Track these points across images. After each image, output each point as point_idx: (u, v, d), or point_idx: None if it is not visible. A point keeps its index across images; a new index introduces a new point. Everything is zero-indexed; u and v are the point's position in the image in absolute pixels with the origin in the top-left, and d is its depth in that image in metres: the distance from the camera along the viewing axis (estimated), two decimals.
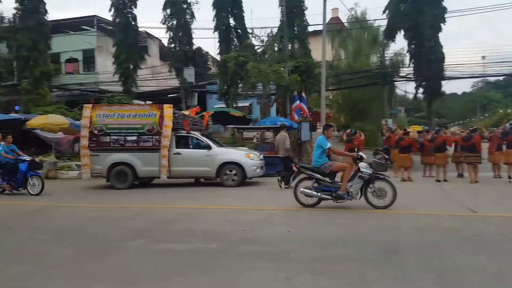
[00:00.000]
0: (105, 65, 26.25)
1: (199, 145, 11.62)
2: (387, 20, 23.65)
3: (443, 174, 11.67)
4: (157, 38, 30.81)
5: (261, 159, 11.85)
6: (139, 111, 11.65)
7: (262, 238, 5.46)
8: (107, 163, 11.26)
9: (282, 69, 17.79)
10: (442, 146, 11.82)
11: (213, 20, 23.32)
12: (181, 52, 23.23)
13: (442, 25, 22.03)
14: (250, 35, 21.40)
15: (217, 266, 4.29)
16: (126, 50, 23.03)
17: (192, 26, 23.64)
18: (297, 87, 17.82)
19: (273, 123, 16.03)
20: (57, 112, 18.46)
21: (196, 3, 23.48)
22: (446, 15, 22.03)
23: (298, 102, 17.42)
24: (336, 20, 35.54)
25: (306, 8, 20.89)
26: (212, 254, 4.76)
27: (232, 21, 23.56)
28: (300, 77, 18.00)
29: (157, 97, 25.23)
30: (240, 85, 20.73)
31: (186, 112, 13.92)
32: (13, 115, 17.37)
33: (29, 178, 9.99)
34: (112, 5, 23.12)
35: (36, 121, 15.60)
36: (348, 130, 15.14)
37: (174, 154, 11.34)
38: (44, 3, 22.36)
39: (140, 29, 24.61)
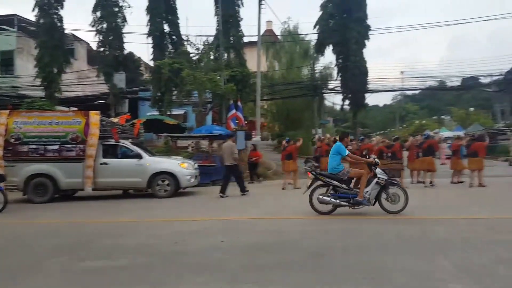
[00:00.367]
0: (26, 68, 24.11)
1: (128, 155, 11.09)
2: (317, 35, 24.92)
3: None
4: (85, 41, 29.10)
5: (196, 168, 11.65)
6: (62, 118, 10.83)
7: (195, 249, 5.32)
8: (24, 175, 10.31)
9: (218, 77, 17.78)
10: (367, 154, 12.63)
11: (147, 25, 22.70)
12: (111, 56, 22.20)
13: (366, 41, 23.77)
14: (186, 42, 21.17)
15: (146, 283, 4.06)
16: (50, 53, 21.41)
17: (124, 30, 22.80)
18: (233, 96, 17.90)
19: (209, 131, 15.89)
20: None
21: (129, 7, 22.69)
22: (370, 33, 23.85)
23: (234, 111, 17.48)
24: (270, 32, 36.56)
25: (242, 19, 21.26)
26: (141, 269, 4.51)
27: (166, 27, 23.12)
28: (236, 86, 18.13)
29: (84, 103, 23.66)
30: (175, 92, 20.29)
31: (115, 120, 13.24)
32: None
33: None
34: (36, 5, 21.47)
35: None
36: (284, 141, 15.52)
37: (101, 164, 10.70)
38: None
39: (66, 31, 23.09)
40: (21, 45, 25.09)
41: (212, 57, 19.79)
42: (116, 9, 22.24)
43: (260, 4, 18.01)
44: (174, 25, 23.07)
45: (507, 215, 7.15)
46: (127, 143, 11.27)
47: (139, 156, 10.91)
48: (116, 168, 10.77)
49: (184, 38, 22.23)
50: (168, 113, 21.19)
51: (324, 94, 29.45)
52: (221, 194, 10.55)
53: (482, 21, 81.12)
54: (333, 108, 40.77)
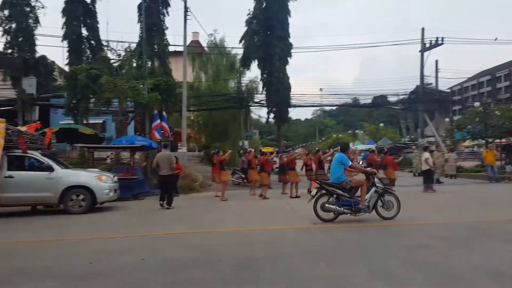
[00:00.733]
0: None
1: (38, 167, 10.11)
2: (243, 49, 25.47)
3: (295, 191, 12.92)
4: None
5: (115, 182, 10.99)
6: None
7: (112, 269, 4.98)
8: None
9: (141, 86, 17.13)
10: (292, 165, 13.23)
11: (62, 28, 21.15)
12: (20, 59, 20.26)
13: (288, 58, 24.88)
14: (106, 48, 20.05)
15: None
16: None
17: (37, 32, 21.00)
18: (157, 106, 17.35)
19: (130, 142, 15.14)
20: None
21: (42, 8, 20.95)
22: (292, 50, 25.03)
23: (158, 121, 16.95)
24: (196, 43, 36.44)
25: (167, 27, 20.81)
26: None
27: (85, 31, 21.76)
28: (160, 96, 17.61)
29: None
30: (93, 100, 19.06)
31: (23, 128, 11.98)
32: None
33: None
34: None
35: None
36: (212, 151, 15.51)
37: (5, 177, 9.59)
38: None
39: None
40: None
41: (134, 64, 19.03)
42: (28, 9, 20.44)
43: (185, 15, 17.89)
44: (93, 29, 21.84)
45: (414, 222, 7.90)
46: (36, 154, 10.27)
47: (50, 169, 9.99)
48: (23, 182, 9.74)
49: (104, 43, 21.10)
50: (84, 122, 19.85)
51: (250, 107, 30.08)
52: (166, 206, 10.51)
53: (390, 45, 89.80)
54: (259, 120, 41.77)
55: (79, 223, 8.74)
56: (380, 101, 51.97)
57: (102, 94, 16.62)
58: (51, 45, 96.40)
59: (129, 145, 14.80)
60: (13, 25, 20.08)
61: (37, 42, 21.28)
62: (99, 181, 10.33)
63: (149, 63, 19.67)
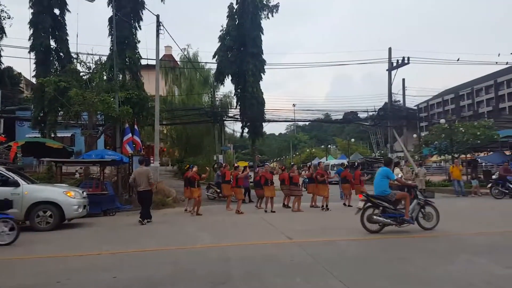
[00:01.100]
0: None
1: (2, 182, 9.60)
2: (216, 64, 25.59)
3: (271, 205, 12.91)
4: None
5: (84, 197, 10.61)
6: None
7: None
8: None
9: (112, 99, 16.79)
10: (268, 179, 13.26)
11: (30, 39, 20.53)
12: None
13: (262, 74, 25.20)
14: (75, 60, 19.60)
15: None
16: None
17: (2, 43, 20.35)
18: (128, 119, 17.03)
19: (100, 156, 14.71)
20: None
21: (9, 18, 20.33)
22: (265, 67, 25.39)
23: (130, 135, 16.60)
24: (169, 57, 36.31)
25: (139, 41, 20.65)
26: None
27: (53, 43, 21.22)
28: (132, 109, 17.31)
29: None
30: (61, 113, 18.47)
31: None
32: None
33: None
34: None
35: None
36: (187, 166, 15.32)
37: None
38: None
39: None
40: None
41: (105, 77, 18.67)
42: None
43: (158, 29, 17.78)
44: (62, 41, 21.33)
45: (388, 236, 8.02)
46: (0, 169, 9.78)
47: (15, 184, 9.53)
48: None
49: (74, 55, 20.63)
50: (52, 135, 19.19)
51: (225, 121, 30.09)
52: (146, 220, 10.55)
53: (359, 64, 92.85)
54: (233, 135, 41.80)
55: (46, 240, 8.33)
56: (351, 117, 53.45)
57: (71, 107, 16.16)
58: (18, 56, 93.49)
59: (99, 160, 14.36)
60: None
61: (2, 53, 20.63)
62: (68, 196, 9.93)
63: (120, 76, 19.38)
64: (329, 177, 14.76)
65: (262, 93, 25.16)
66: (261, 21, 24.88)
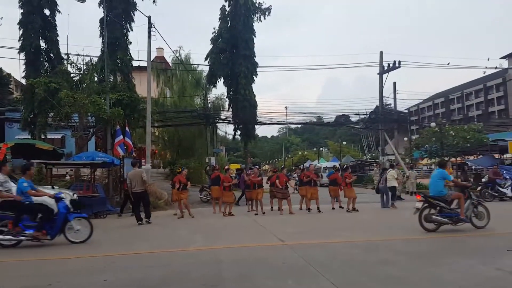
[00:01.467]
0: None
1: None
2: (209, 66, 25.55)
3: (260, 208, 12.90)
4: None
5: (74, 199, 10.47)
6: None
7: None
8: None
9: (103, 101, 16.65)
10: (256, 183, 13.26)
11: (19, 40, 20.29)
12: None
13: (254, 77, 25.21)
14: (66, 61, 19.40)
15: None
16: None
17: None
18: (119, 121, 16.90)
19: (91, 158, 14.55)
20: None
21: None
22: (258, 69, 25.41)
23: (121, 136, 16.46)
24: (161, 59, 36.20)
25: (130, 42, 20.53)
26: None
27: (43, 44, 20.99)
28: (123, 111, 17.19)
29: None
30: (51, 114, 18.27)
31: None
32: None
33: (71, 222, 7.82)
34: None
35: None
36: (178, 168, 15.22)
37: None
38: None
39: None
40: None
41: (96, 79, 18.52)
42: None
43: (149, 30, 17.69)
44: (52, 42, 21.10)
45: (378, 238, 8.08)
46: None
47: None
48: None
49: (64, 56, 20.43)
50: (42, 137, 18.94)
51: (217, 124, 30.01)
52: (139, 222, 10.76)
53: (351, 67, 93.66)
54: (226, 137, 41.73)
55: (36, 243, 8.20)
56: (342, 120, 53.74)
57: (61, 108, 15.99)
58: (7, 57, 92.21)
59: (89, 162, 14.20)
60: None
61: None
62: None
63: (112, 78, 19.24)
64: (319, 179, 14.81)
65: (254, 95, 25.18)
66: (253, 24, 24.93)
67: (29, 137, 19.33)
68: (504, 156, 24.31)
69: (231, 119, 26.55)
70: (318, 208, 13.16)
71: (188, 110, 27.24)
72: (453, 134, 22.12)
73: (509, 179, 16.26)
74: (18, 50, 20.37)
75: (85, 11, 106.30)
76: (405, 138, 42.96)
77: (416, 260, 5.98)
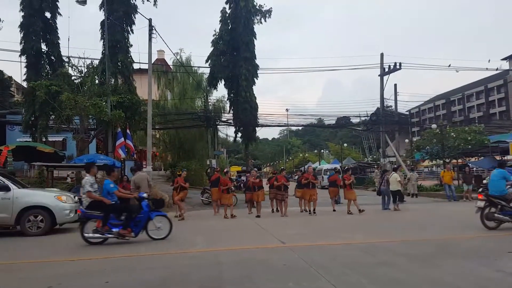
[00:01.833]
0: None
1: None
2: (209, 68, 25.62)
3: (258, 210, 12.93)
4: None
5: (76, 202, 10.50)
6: None
7: None
8: None
9: (104, 103, 16.70)
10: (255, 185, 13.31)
11: (21, 43, 20.39)
12: None
13: (255, 79, 25.27)
14: (67, 64, 19.48)
15: None
16: None
17: None
18: (120, 123, 16.94)
19: (92, 161, 14.57)
20: None
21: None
22: (258, 71, 25.47)
23: (122, 139, 16.51)
24: (162, 61, 36.30)
25: (131, 45, 20.63)
26: None
27: (44, 47, 21.08)
28: (124, 114, 17.24)
29: None
30: (52, 117, 18.33)
31: None
32: None
33: (153, 220, 8.20)
34: None
35: None
36: (180, 171, 15.26)
37: None
38: None
39: None
40: None
41: (97, 81, 18.59)
42: None
43: (150, 33, 17.75)
44: (53, 44, 21.21)
45: (378, 240, 8.08)
46: None
47: (6, 188, 9.43)
48: None
49: (65, 59, 20.51)
50: (43, 139, 19.01)
51: (218, 126, 30.05)
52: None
53: (352, 69, 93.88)
54: (226, 139, 41.77)
55: (37, 245, 8.24)
56: (343, 122, 53.76)
57: (62, 111, 16.04)
58: (8, 59, 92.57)
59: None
60: None
61: None
62: (59, 201, 9.84)
63: (112, 80, 19.30)
64: (317, 181, 14.81)
65: (255, 97, 25.24)
66: (254, 26, 25.00)
67: (30, 139, 19.43)
68: (505, 157, 24.27)
69: (232, 121, 26.60)
70: (314, 210, 13.20)
71: (189, 112, 27.30)
72: (454, 135, 22.09)
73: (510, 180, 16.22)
74: (19, 53, 20.47)
75: (86, 14, 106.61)
76: (406, 140, 42.94)
77: (415, 261, 5.98)
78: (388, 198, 14.26)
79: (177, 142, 29.17)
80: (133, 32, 20.55)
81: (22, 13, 20.44)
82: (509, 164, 21.80)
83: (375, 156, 45.71)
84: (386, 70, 27.04)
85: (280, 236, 8.64)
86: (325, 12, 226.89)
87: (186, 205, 13.14)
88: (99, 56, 19.77)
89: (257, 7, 25.01)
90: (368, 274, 5.26)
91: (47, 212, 9.56)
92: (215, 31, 25.62)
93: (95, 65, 18.60)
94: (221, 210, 13.60)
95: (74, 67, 17.84)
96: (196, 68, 30.64)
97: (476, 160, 26.12)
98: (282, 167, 15.58)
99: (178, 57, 29.44)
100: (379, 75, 27.47)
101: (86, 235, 7.87)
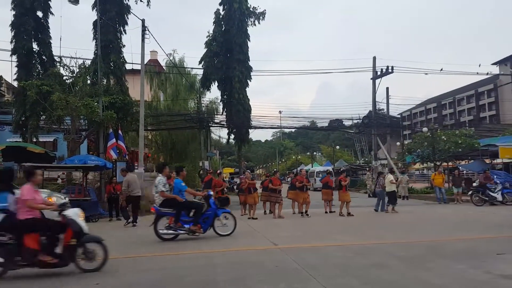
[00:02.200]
0: None
1: None
2: (203, 70, 25.60)
3: (253, 212, 12.91)
4: None
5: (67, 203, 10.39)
6: None
7: None
8: None
9: (96, 104, 16.56)
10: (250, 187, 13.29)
11: (11, 42, 20.13)
12: None
13: (248, 81, 25.33)
14: (58, 64, 19.28)
15: None
16: None
17: None
18: (112, 124, 16.81)
19: (83, 161, 14.45)
20: None
21: None
22: (252, 73, 25.52)
23: (114, 140, 16.37)
24: (155, 62, 36.11)
25: (124, 45, 20.49)
26: None
27: (35, 46, 20.86)
28: (116, 114, 17.12)
29: None
30: (43, 117, 18.13)
31: None
32: None
33: (220, 217, 8.67)
34: None
35: None
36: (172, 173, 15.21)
37: None
38: None
39: None
40: None
41: (89, 81, 18.43)
42: None
43: (143, 33, 17.67)
44: (45, 44, 20.95)
45: (370, 241, 8.12)
46: None
47: None
48: None
49: (57, 59, 20.29)
50: (34, 140, 18.79)
51: (211, 127, 30.01)
52: (134, 223, 11.37)
53: (344, 72, 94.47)
54: (219, 141, 41.70)
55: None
56: (336, 124, 53.99)
57: (53, 111, 15.88)
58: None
59: (81, 165, 14.12)
60: None
61: None
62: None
63: (105, 81, 19.16)
64: (309, 184, 14.85)
65: (248, 99, 25.28)
66: (247, 28, 25.05)
67: (20, 140, 19.19)
68: (495, 161, 24.56)
69: (225, 123, 26.61)
70: (306, 211, 13.24)
71: (181, 114, 27.21)
72: (445, 139, 22.30)
73: (499, 183, 16.43)
74: (10, 52, 20.22)
75: (78, 14, 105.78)
76: (398, 143, 43.24)
77: (407, 263, 6.01)
78: (383, 200, 14.32)
79: (170, 144, 29.05)
80: (126, 33, 20.43)
81: (14, 12, 20.18)
82: (499, 167, 22.09)
83: (367, 159, 45.97)
84: (379, 73, 27.22)
85: (272, 238, 8.64)
86: (319, 15, 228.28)
87: None
88: (91, 56, 19.63)
89: (250, 9, 25.09)
90: (359, 275, 5.27)
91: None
92: (208, 32, 25.66)
93: (87, 65, 18.43)
94: None
95: (65, 67, 17.70)
96: (189, 69, 30.58)
97: (466, 163, 26.40)
98: (275, 169, 15.60)
99: (171, 58, 29.36)
100: (371, 79, 27.64)
101: (160, 231, 8.23)
